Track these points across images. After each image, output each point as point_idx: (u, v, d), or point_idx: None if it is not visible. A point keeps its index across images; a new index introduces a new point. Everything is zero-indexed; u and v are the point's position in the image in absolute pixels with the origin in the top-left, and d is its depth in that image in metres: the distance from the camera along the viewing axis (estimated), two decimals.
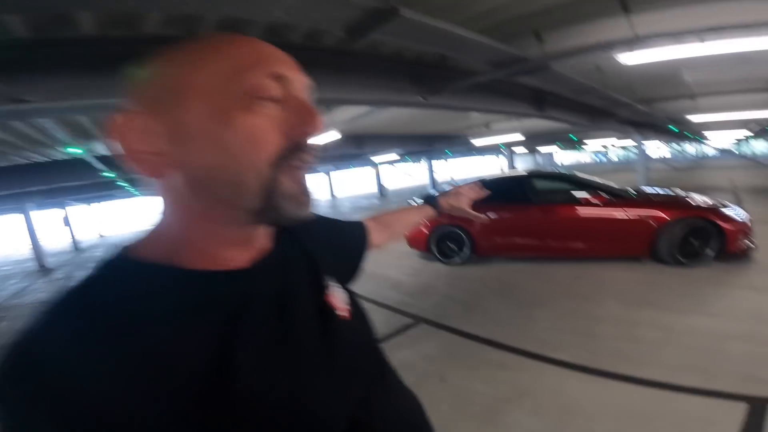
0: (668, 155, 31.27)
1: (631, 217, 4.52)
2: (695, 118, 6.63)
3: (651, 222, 4.40)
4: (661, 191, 5.28)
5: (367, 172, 25.44)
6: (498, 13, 2.90)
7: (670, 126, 10.49)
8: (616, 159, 35.02)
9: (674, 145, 27.14)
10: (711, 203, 4.54)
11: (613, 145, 22.98)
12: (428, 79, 3.97)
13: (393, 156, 14.88)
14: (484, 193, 1.23)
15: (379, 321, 3.74)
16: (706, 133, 16.86)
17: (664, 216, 4.36)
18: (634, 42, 2.74)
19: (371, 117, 7.01)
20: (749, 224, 4.34)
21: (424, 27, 2.26)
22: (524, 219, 5.10)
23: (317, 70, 3.59)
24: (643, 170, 11.57)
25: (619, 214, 4.60)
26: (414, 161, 22.72)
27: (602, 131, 10.95)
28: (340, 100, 3.95)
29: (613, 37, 2.76)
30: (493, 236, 5.25)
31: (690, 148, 31.27)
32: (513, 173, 6.11)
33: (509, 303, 3.89)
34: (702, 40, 2.54)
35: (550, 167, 28.17)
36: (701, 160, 28.90)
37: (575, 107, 7.08)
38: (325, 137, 6.58)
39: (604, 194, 4.76)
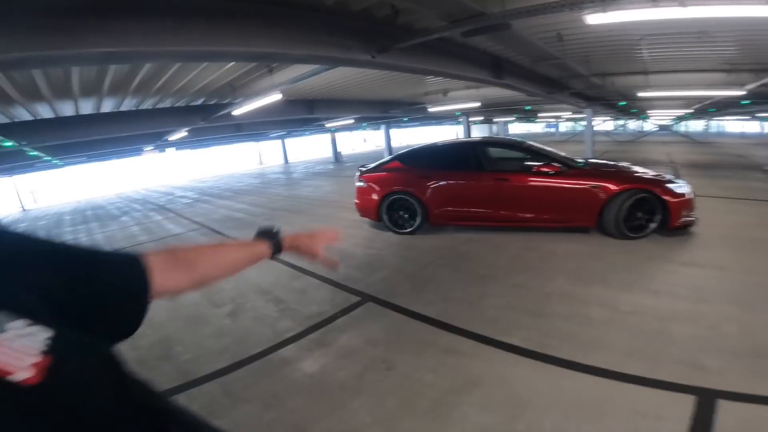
0: (611, 129, 32.95)
1: (582, 188, 4.47)
2: (645, 94, 6.71)
3: (599, 193, 4.39)
4: (609, 163, 5.31)
5: (322, 138, 24.50)
6: None
7: (620, 102, 10.77)
8: (564, 130, 36.38)
9: (618, 120, 28.53)
10: (657, 176, 4.60)
11: (562, 118, 23.66)
12: (378, 35, 3.54)
13: (348, 122, 14.24)
14: (339, 240, 1.06)
15: (323, 299, 3.46)
16: (651, 111, 17.74)
17: (612, 187, 4.34)
18: (607, 1, 2.48)
19: (320, 79, 6.43)
20: (693, 199, 4.46)
21: None
22: (477, 187, 4.91)
23: (241, 20, 3.04)
24: (590, 142, 11.96)
25: (570, 184, 4.54)
26: (371, 128, 22.12)
27: (556, 103, 11.04)
28: (271, 55, 3.41)
29: None
30: (446, 205, 5.05)
31: (631, 123, 33.10)
32: (466, 139, 5.89)
33: (461, 277, 3.74)
34: (683, 5, 2.32)
35: (505, 136, 28.72)
36: (641, 135, 30.78)
37: (532, 77, 6.93)
38: (266, 99, 5.95)
39: (556, 164, 4.67)
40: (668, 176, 4.67)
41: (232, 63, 5.33)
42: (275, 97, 5.71)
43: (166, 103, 7.99)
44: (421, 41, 3.52)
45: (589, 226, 4.63)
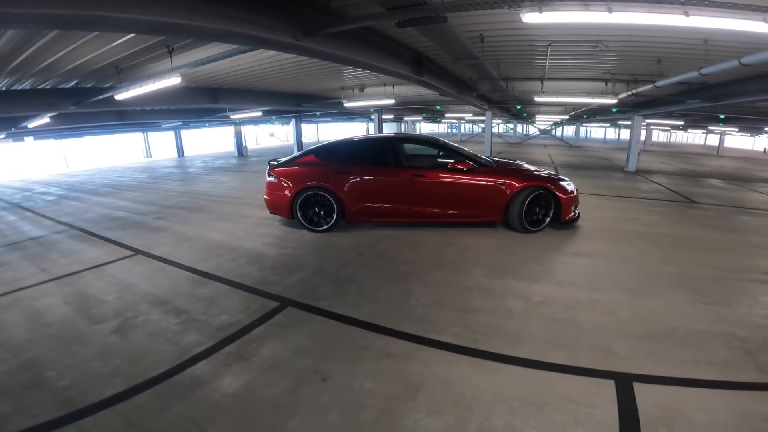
0: (502, 131, 36.69)
1: (491, 185, 4.78)
2: (541, 99, 7.53)
3: (506, 190, 4.74)
4: (511, 161, 5.78)
5: (224, 131, 22.52)
6: None
7: (517, 105, 11.94)
8: (464, 131, 39.42)
9: (509, 123, 31.86)
10: (551, 175, 5.12)
11: (464, 119, 25.52)
12: (306, 18, 3.24)
13: (256, 114, 13.27)
14: None
15: (236, 308, 3.07)
16: (537, 116, 20.11)
17: (517, 184, 4.72)
18: (544, 1, 2.60)
19: (228, 64, 5.78)
20: (577, 195, 5.07)
21: None
22: (393, 183, 4.90)
23: None
24: (489, 142, 13.12)
25: (481, 181, 4.81)
26: (280, 122, 21.03)
27: (463, 104, 11.77)
28: (176, 27, 2.88)
29: None
30: (364, 201, 4.95)
31: (519, 126, 37.27)
32: (384, 135, 5.86)
33: (383, 276, 3.68)
34: (610, 11, 2.55)
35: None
36: (527, 138, 34.94)
37: (448, 76, 7.22)
38: (162, 82, 5.13)
39: (468, 161, 4.90)
40: (559, 175, 5.23)
41: (122, 40, 4.45)
42: (173, 81, 4.94)
43: (26, 84, 6.42)
44: (350, 28, 3.31)
45: (496, 220, 4.98)
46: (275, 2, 3.13)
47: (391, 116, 20.78)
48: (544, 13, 2.68)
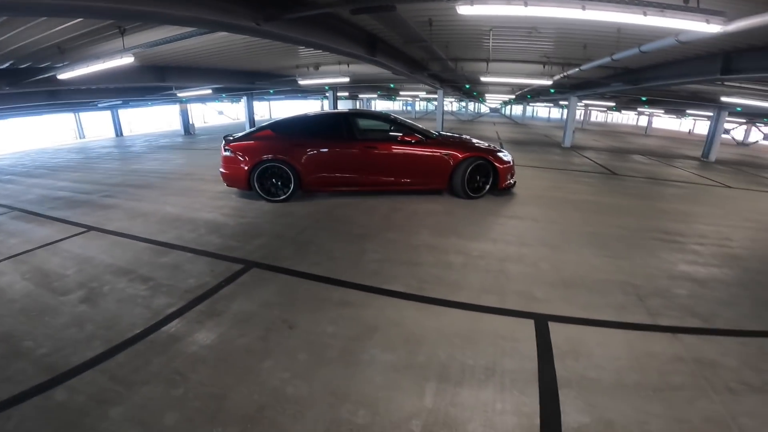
0: (455, 109, 37.69)
1: (437, 155, 5.25)
2: (486, 78, 8.03)
3: (450, 160, 5.23)
4: (456, 135, 6.28)
5: (168, 109, 21.24)
6: None
7: (466, 85, 12.47)
8: (418, 109, 39.96)
9: (462, 101, 32.76)
10: (489, 146, 5.67)
11: (418, 97, 25.91)
12: (267, 3, 3.36)
13: (206, 92, 12.73)
14: None
15: (201, 272, 3.27)
16: (487, 95, 20.91)
17: (459, 155, 5.22)
18: None
19: (178, 44, 5.62)
20: (513, 165, 5.68)
21: None
22: (348, 155, 5.23)
23: None
24: (441, 119, 13.68)
25: (427, 152, 5.26)
26: (231, 100, 20.20)
27: (416, 83, 12.09)
28: (143, 14, 2.93)
29: None
30: (319, 171, 5.23)
31: (471, 105, 38.43)
32: (337, 111, 6.15)
33: (340, 237, 4.02)
34: (525, 5, 2.95)
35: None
36: (478, 116, 36.16)
37: (401, 57, 7.48)
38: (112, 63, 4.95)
39: (416, 134, 5.32)
40: (497, 147, 5.80)
41: (73, 22, 4.24)
42: (125, 61, 4.78)
43: None
44: (309, 14, 3.48)
45: (441, 188, 5.48)
46: None
47: (346, 94, 20.66)
48: (475, 6, 3.05)
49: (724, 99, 9.14)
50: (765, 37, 4.84)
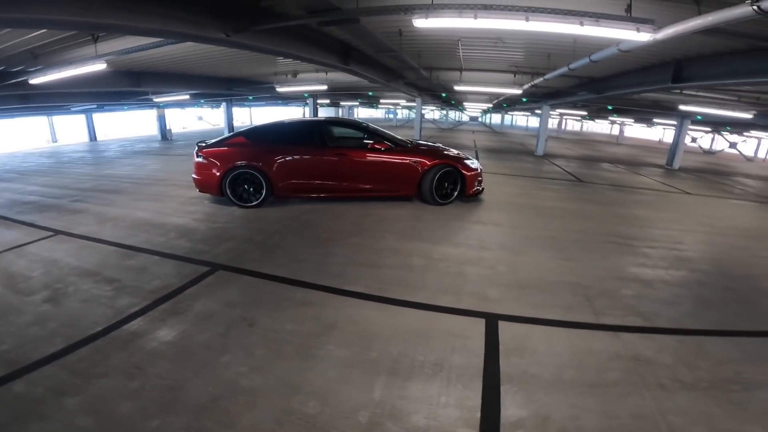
0: (437, 117, 38.33)
1: (405, 163, 5.43)
2: (459, 87, 8.30)
3: (418, 167, 5.41)
4: (428, 143, 6.49)
5: (145, 114, 20.91)
6: None
7: (442, 93, 12.79)
8: (400, 117, 40.46)
9: (442, 110, 33.36)
10: (458, 155, 5.88)
11: (399, 105, 26.30)
12: (236, 15, 3.49)
13: (183, 98, 12.66)
14: None
15: (168, 274, 3.34)
16: (466, 104, 21.41)
17: (427, 162, 5.41)
18: (429, 9, 3.16)
19: (155, 50, 5.67)
20: (481, 172, 5.90)
21: None
22: (320, 162, 5.34)
23: None
24: (419, 127, 13.97)
25: (396, 159, 5.43)
26: (210, 106, 20.05)
27: (393, 91, 12.33)
28: (113, 26, 3.02)
29: (415, 3, 3.11)
30: (290, 178, 5.33)
31: (452, 113, 39.16)
32: (309, 119, 6.30)
33: (307, 241, 4.13)
34: (475, 17, 3.17)
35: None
36: (458, 124, 36.85)
37: (375, 65, 7.68)
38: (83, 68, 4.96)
39: (386, 142, 5.50)
40: (465, 155, 6.01)
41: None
42: (97, 67, 4.81)
43: None
44: (280, 26, 3.62)
45: (411, 194, 5.65)
46: (208, 3, 3.34)
47: (328, 101, 20.79)
48: (429, 18, 3.26)
49: (682, 107, 9.67)
50: (712, 46, 5.19)
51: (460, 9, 3.13)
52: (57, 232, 4.62)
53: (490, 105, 17.61)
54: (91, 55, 4.83)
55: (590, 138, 29.36)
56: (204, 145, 5.50)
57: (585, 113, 17.27)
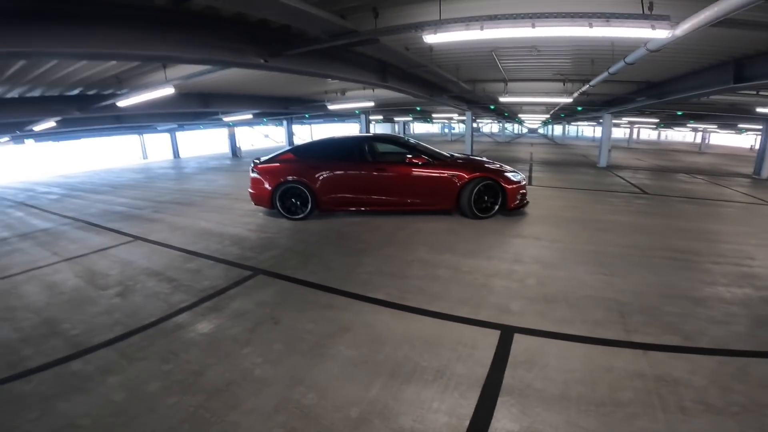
0: (495, 131, 37.43)
1: (443, 176, 5.46)
2: (505, 99, 8.19)
3: (456, 181, 5.41)
4: (471, 157, 6.47)
5: (219, 132, 23.19)
6: None
7: (491, 105, 12.62)
8: (456, 131, 40.15)
9: (501, 123, 32.54)
10: (499, 167, 5.77)
11: (454, 119, 26.22)
12: (270, 42, 3.94)
13: (247, 117, 13.93)
14: None
15: (217, 276, 3.75)
16: (522, 116, 20.80)
17: (465, 175, 5.39)
18: (438, 25, 3.29)
19: (216, 74, 6.44)
20: (524, 185, 5.73)
21: None
22: (358, 177, 5.60)
23: (139, 26, 3.22)
24: (470, 141, 13.81)
25: (434, 173, 5.49)
26: (273, 124, 21.68)
27: (441, 105, 12.43)
28: (168, 57, 3.61)
29: (425, 20, 3.26)
30: (333, 192, 5.65)
31: (510, 126, 38.00)
32: (350, 135, 6.63)
33: (342, 251, 4.35)
34: (482, 28, 3.23)
35: (404, 135, 30.64)
36: (517, 137, 35.64)
37: (413, 80, 7.88)
38: (157, 92, 5.81)
39: (424, 156, 5.58)
40: (507, 167, 5.89)
41: None
42: (167, 91, 5.62)
43: (36, 92, 7.11)
44: (309, 49, 3.99)
45: (449, 208, 5.64)
46: (246, 31, 3.82)
47: (380, 117, 21.42)
48: (438, 34, 3.36)
49: (760, 110, 8.57)
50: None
51: (467, 22, 3.21)
52: (136, 238, 5.37)
53: (548, 116, 16.91)
54: (162, 81, 5.64)
55: (668, 147, 26.74)
56: (258, 162, 6.05)
57: (656, 121, 15.86)
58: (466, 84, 8.15)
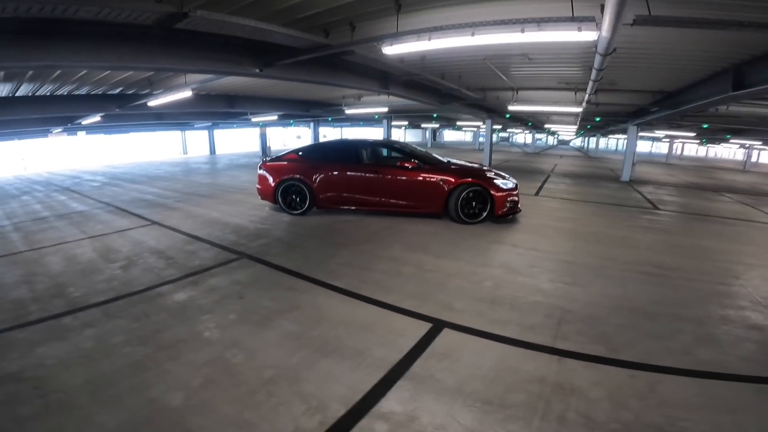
0: (528, 142, 36.65)
1: (432, 180, 5.68)
2: (514, 107, 8.22)
3: (444, 185, 5.61)
4: (466, 163, 6.57)
5: (253, 132, 24.47)
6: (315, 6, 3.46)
7: (506, 114, 12.60)
8: (482, 140, 39.62)
9: (531, 134, 31.85)
10: (490, 174, 5.84)
11: (481, 128, 26.05)
12: (264, 53, 4.38)
13: (272, 118, 14.73)
14: None
15: (208, 257, 4.25)
16: (553, 127, 20.40)
17: (453, 180, 5.57)
18: (395, 37, 3.60)
19: (239, 78, 7.03)
20: (515, 193, 5.80)
21: (220, 22, 2.73)
22: (351, 178, 5.95)
23: (145, 42, 3.75)
24: (488, 150, 13.78)
25: (423, 177, 5.72)
26: (301, 125, 22.59)
27: (456, 113, 12.54)
28: (171, 69, 4.16)
29: (384, 33, 3.58)
30: (327, 191, 6.04)
31: (544, 137, 37.11)
32: (349, 139, 6.99)
33: (324, 244, 4.70)
34: (429, 39, 3.50)
35: (428, 141, 30.66)
36: (546, 149, 34.68)
37: (417, 88, 8.08)
38: (178, 94, 6.47)
39: (414, 160, 5.82)
40: (500, 174, 5.99)
41: None
42: (186, 93, 6.27)
43: (83, 91, 8.08)
44: (295, 60, 4.42)
45: (438, 212, 5.83)
46: (243, 44, 4.30)
47: (406, 123, 21.73)
48: (394, 45, 3.66)
49: None
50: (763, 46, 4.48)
51: (418, 33, 3.49)
52: (154, 222, 5.99)
53: (575, 127, 16.54)
54: (183, 84, 6.27)
55: (711, 164, 25.18)
56: (266, 159, 6.57)
57: (692, 134, 15.12)
58: (475, 92, 8.29)
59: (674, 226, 6.37)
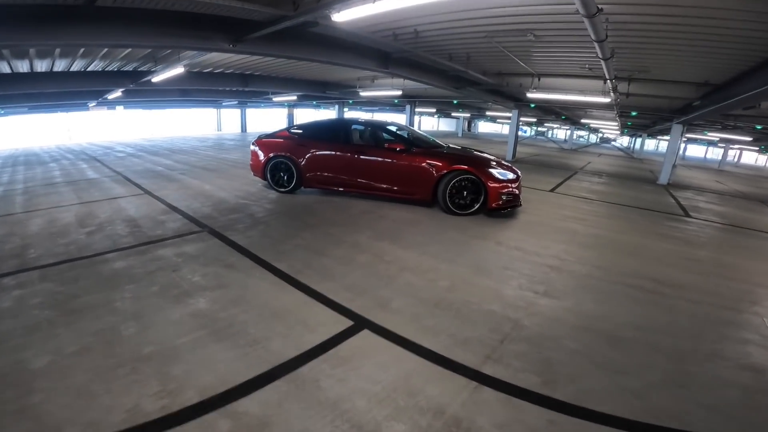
0: (565, 138, 34.66)
1: (420, 166, 5.25)
2: (533, 95, 7.59)
3: (433, 171, 5.18)
4: (457, 148, 6.09)
5: (282, 112, 24.79)
6: None
7: (531, 104, 11.77)
8: (527, 134, 37.87)
9: (570, 130, 29.93)
10: (487, 161, 5.33)
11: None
12: (233, 29, 4.23)
13: (292, 98, 14.70)
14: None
15: (172, 228, 4.22)
16: (589, 121, 19.07)
17: (443, 167, 5.11)
18: (343, 3, 3.33)
19: (253, 57, 6.89)
20: (514, 186, 5.23)
21: None
22: (338, 158, 5.67)
23: (105, 21, 3.71)
24: (512, 143, 13.00)
25: (410, 161, 5.30)
26: (324, 108, 22.55)
27: (474, 99, 11.79)
28: (136, 46, 4.11)
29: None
30: (313, 170, 5.84)
31: (586, 135, 34.95)
32: (340, 118, 6.70)
33: (292, 224, 4.52)
34: (374, 2, 3.21)
35: (461, 131, 29.67)
36: (585, 146, 32.40)
37: (421, 68, 7.54)
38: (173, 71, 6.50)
39: (401, 143, 5.41)
40: (499, 162, 5.44)
41: None
42: (178, 70, 6.29)
43: (98, 67, 8.44)
44: (262, 33, 4.21)
45: (425, 200, 5.40)
46: (213, 19, 4.17)
47: (434, 110, 21.07)
48: (342, 12, 3.40)
49: None
50: None
51: None
52: (146, 192, 6.10)
53: (617, 124, 15.30)
54: (176, 60, 6.27)
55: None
56: (261, 136, 6.48)
57: (748, 138, 13.54)
58: (492, 78, 7.73)
59: (699, 236, 5.62)
